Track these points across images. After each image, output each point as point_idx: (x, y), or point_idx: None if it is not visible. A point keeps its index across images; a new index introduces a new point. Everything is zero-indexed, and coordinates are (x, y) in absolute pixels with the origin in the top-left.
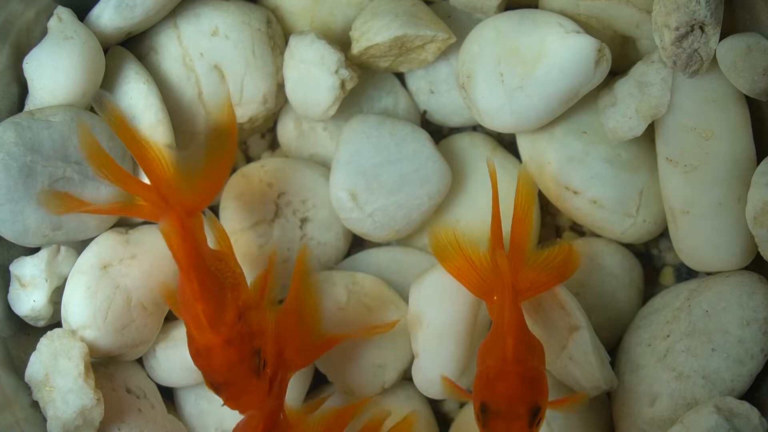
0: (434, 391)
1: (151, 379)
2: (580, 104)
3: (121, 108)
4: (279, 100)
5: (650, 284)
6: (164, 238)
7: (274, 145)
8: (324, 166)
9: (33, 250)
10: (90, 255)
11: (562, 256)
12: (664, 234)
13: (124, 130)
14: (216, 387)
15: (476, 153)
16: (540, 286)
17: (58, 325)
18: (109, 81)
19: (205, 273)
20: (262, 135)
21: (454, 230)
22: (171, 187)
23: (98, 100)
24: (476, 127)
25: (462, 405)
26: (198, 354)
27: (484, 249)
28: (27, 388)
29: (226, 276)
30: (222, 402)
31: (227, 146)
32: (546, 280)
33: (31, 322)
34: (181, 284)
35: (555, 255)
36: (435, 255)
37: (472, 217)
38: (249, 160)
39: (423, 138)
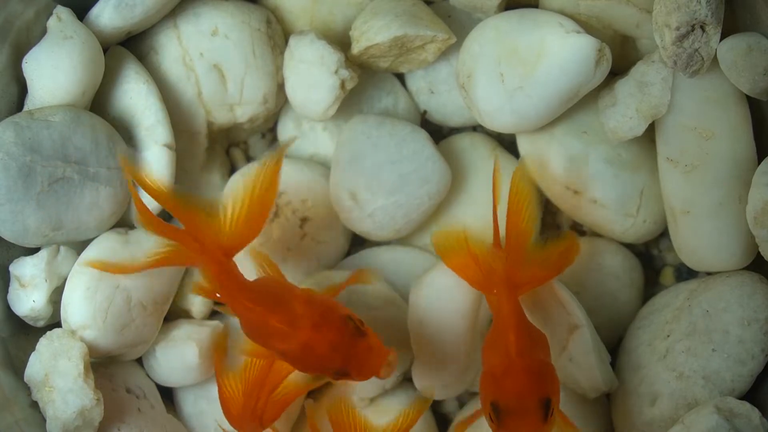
0: (435, 391)
1: (151, 379)
2: (580, 104)
3: (143, 168)
4: (279, 100)
5: (650, 284)
6: (206, 280)
7: (274, 145)
8: (324, 166)
9: (33, 250)
10: (90, 255)
11: (562, 248)
12: (664, 234)
13: (150, 188)
14: (340, 371)
15: (476, 153)
16: (538, 279)
17: (58, 325)
18: (109, 81)
19: (256, 291)
20: (262, 135)
21: (464, 227)
22: (206, 231)
23: (122, 160)
24: (476, 127)
25: (462, 405)
26: (304, 359)
27: (489, 246)
28: (26, 388)
29: (271, 286)
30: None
31: (269, 191)
32: (544, 273)
33: (30, 322)
34: (244, 322)
35: (555, 247)
36: (437, 251)
37: (471, 216)
38: (249, 160)
39: (423, 138)
